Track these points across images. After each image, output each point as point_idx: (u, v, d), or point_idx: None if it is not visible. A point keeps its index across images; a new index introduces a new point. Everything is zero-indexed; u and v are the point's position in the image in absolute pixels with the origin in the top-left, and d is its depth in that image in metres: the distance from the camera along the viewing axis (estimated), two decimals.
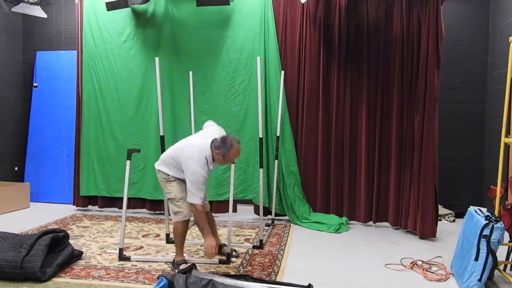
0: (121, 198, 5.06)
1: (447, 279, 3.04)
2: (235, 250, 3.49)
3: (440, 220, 4.65)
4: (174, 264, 3.17)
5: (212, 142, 2.96)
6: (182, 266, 3.00)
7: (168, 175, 3.08)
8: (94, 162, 5.14)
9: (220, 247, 3.40)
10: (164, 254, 3.52)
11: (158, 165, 3.16)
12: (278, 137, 4.55)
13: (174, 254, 3.27)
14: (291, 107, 4.74)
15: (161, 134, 3.79)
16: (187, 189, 2.95)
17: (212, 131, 3.17)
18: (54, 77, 5.81)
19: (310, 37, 4.67)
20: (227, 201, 4.00)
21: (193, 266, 2.90)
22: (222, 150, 2.93)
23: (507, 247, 3.17)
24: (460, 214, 4.84)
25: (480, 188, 5.09)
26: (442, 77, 4.44)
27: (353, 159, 4.60)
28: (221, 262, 3.28)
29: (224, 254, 3.34)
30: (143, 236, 4.09)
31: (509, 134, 3.42)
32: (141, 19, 5.02)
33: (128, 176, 3.44)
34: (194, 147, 2.97)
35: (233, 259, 3.37)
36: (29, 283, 2.82)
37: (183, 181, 3.04)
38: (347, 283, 2.97)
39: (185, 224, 3.14)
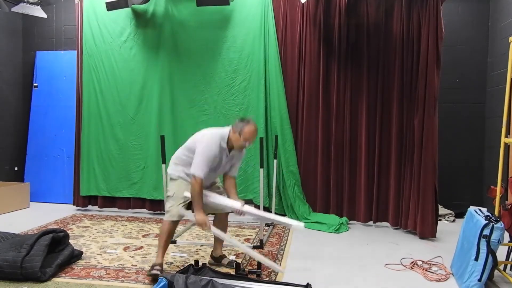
0: (121, 198, 5.14)
1: (447, 279, 3.03)
2: (236, 261, 3.27)
3: (440, 220, 4.65)
4: (151, 266, 2.98)
5: (231, 126, 3.00)
6: (155, 271, 2.86)
7: (175, 171, 3.06)
8: (95, 162, 5.15)
9: (221, 258, 3.27)
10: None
11: (169, 167, 3.14)
12: (276, 136, 4.55)
13: (174, 253, 3.25)
14: (291, 107, 4.74)
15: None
16: (194, 160, 2.87)
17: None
18: (54, 77, 5.82)
19: (310, 37, 4.67)
20: None
21: (190, 266, 2.90)
22: (238, 126, 2.91)
23: (507, 247, 3.16)
24: (460, 214, 4.84)
25: (480, 188, 5.09)
26: (442, 77, 4.44)
27: (353, 159, 4.60)
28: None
29: (224, 265, 3.22)
30: (143, 236, 4.09)
31: (509, 134, 3.42)
32: (141, 19, 5.02)
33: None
34: (209, 131, 3.01)
35: (233, 257, 3.37)
36: (29, 283, 2.81)
37: (186, 182, 2.99)
38: (347, 283, 2.97)
39: (172, 226, 2.98)
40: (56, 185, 5.68)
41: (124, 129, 5.08)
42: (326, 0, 4.60)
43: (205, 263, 3.04)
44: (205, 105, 4.91)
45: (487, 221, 2.71)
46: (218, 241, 3.27)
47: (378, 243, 3.96)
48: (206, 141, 2.90)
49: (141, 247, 3.71)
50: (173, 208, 2.96)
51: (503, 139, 3.13)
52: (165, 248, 3.02)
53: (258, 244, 3.70)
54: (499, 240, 2.67)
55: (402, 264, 3.33)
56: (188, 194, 2.94)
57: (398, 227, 4.43)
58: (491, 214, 2.85)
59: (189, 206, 3.03)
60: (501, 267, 3.04)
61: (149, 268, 2.98)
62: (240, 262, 3.10)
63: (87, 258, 3.36)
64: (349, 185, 4.62)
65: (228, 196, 3.08)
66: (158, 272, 2.84)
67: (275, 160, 4.52)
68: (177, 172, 3.04)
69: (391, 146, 4.45)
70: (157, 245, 3.05)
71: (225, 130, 2.98)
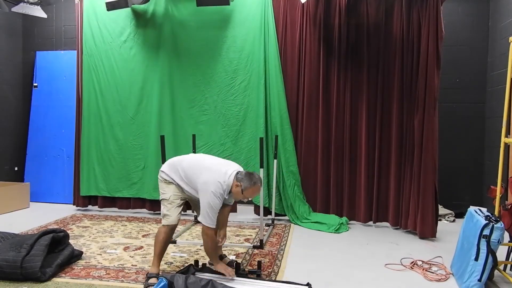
0: (121, 198, 5.14)
1: (447, 279, 3.04)
2: (236, 261, 3.26)
3: (440, 220, 4.66)
4: (146, 275, 2.89)
5: (237, 173, 2.79)
6: (152, 281, 2.75)
7: (170, 178, 2.91)
8: (94, 162, 5.14)
9: (221, 258, 3.19)
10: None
11: (163, 168, 2.97)
12: (276, 136, 4.55)
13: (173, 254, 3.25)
14: (291, 107, 4.74)
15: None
16: (202, 209, 2.73)
17: (230, 162, 2.98)
18: (54, 77, 5.82)
19: (310, 37, 4.67)
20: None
21: (190, 266, 2.90)
22: (244, 183, 2.71)
23: (507, 247, 3.16)
24: (460, 214, 4.85)
25: (480, 188, 5.09)
26: (442, 77, 4.44)
27: (353, 159, 4.60)
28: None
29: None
30: (143, 236, 4.09)
31: (509, 134, 3.42)
32: (141, 19, 5.02)
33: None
34: (215, 173, 2.75)
35: (233, 257, 3.37)
36: (29, 283, 2.82)
37: (181, 188, 2.91)
38: (347, 283, 2.97)
39: (169, 231, 2.87)
40: (56, 185, 5.68)
41: (124, 129, 5.08)
42: (326, 0, 4.61)
43: (205, 263, 3.04)
44: (205, 105, 4.91)
45: (487, 221, 2.71)
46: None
47: (378, 243, 3.96)
48: (212, 192, 2.68)
49: (141, 247, 3.71)
50: (171, 212, 2.86)
51: (503, 139, 3.13)
52: (161, 255, 2.90)
53: (258, 244, 3.70)
54: (499, 240, 2.68)
55: (402, 264, 3.33)
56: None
57: (398, 227, 4.43)
58: (491, 214, 2.85)
59: (185, 206, 2.99)
60: (501, 267, 3.04)
61: (145, 278, 2.87)
62: (240, 262, 3.10)
63: (87, 258, 3.36)
64: (349, 185, 4.61)
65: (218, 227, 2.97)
66: (155, 283, 2.63)
67: (275, 160, 4.53)
68: (173, 179, 2.91)
69: (391, 146, 4.45)
70: (153, 252, 2.90)
71: (230, 179, 2.74)
